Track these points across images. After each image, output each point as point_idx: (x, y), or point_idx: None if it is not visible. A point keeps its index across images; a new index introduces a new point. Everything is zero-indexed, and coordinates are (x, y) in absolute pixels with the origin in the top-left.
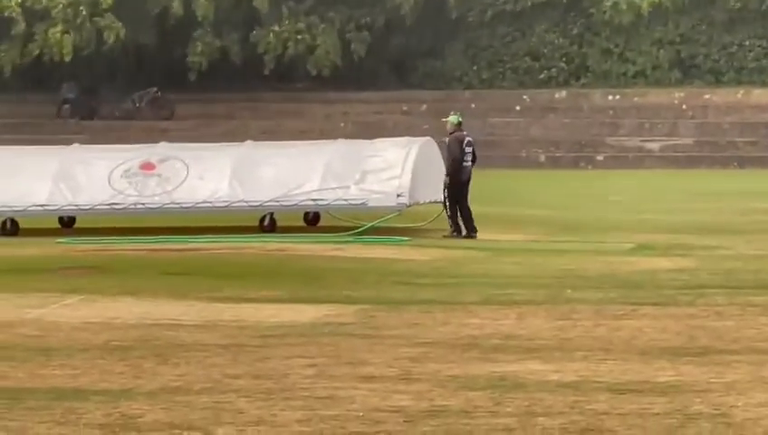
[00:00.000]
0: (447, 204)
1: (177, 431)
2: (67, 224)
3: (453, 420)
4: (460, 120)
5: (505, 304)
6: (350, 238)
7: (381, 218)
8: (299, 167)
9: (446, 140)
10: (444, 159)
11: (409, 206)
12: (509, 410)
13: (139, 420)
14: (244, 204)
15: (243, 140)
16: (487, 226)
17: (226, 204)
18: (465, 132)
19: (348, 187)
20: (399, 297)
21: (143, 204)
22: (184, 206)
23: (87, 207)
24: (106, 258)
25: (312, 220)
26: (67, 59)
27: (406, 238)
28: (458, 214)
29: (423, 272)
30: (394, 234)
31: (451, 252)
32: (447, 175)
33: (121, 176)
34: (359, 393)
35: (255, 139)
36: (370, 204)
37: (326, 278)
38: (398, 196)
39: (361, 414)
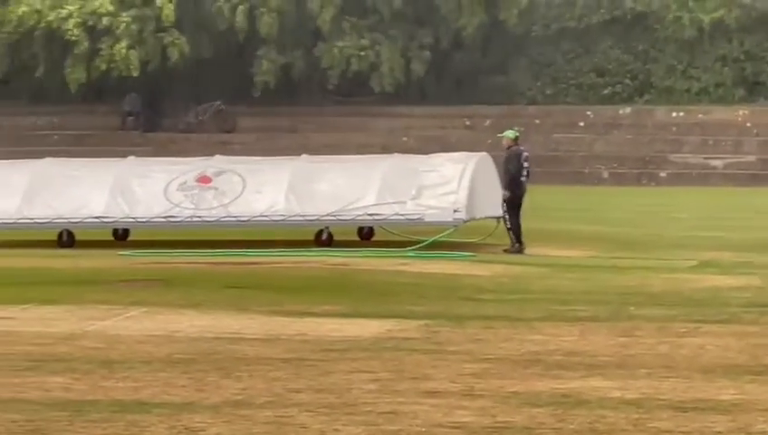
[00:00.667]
0: (507, 218)
1: None
2: (121, 237)
3: None
4: (517, 135)
5: (568, 321)
6: (413, 254)
7: (442, 233)
8: (355, 181)
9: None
10: (502, 172)
11: (466, 221)
12: (572, 427)
13: (202, 433)
14: (301, 218)
15: (305, 153)
16: (550, 241)
17: (283, 218)
18: (522, 147)
19: (404, 202)
20: (462, 313)
21: (199, 217)
22: (240, 219)
23: (143, 220)
24: (168, 271)
25: (366, 235)
26: (135, 74)
27: (469, 254)
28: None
29: (486, 287)
30: (453, 249)
31: (514, 268)
32: (505, 189)
33: (178, 189)
34: (421, 409)
35: (318, 153)
36: (427, 219)
37: (389, 293)
38: (455, 211)
39: (424, 430)
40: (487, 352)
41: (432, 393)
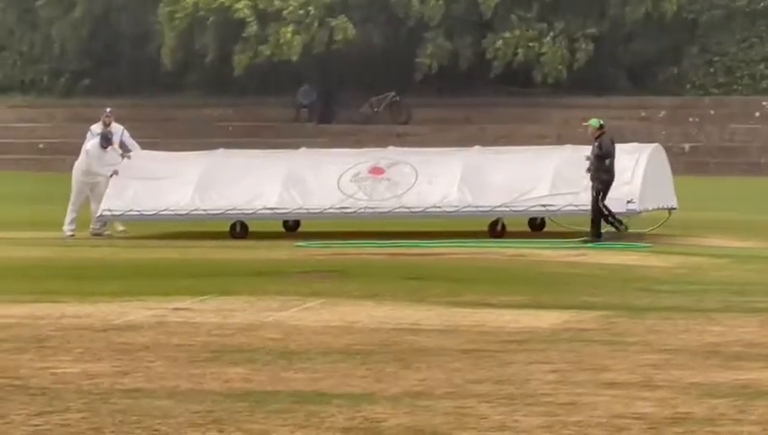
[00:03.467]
0: (605, 204)
1: None
2: (292, 228)
3: (697, 427)
4: (601, 122)
5: (747, 312)
6: (592, 244)
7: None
8: (528, 172)
9: (596, 142)
10: (592, 162)
11: (639, 212)
12: (753, 417)
13: (382, 424)
14: (474, 209)
15: (480, 144)
16: (727, 232)
17: (456, 209)
18: (610, 133)
19: (577, 193)
20: (640, 304)
21: (373, 208)
22: (413, 210)
23: (317, 211)
24: (346, 262)
25: (538, 226)
26: (294, 58)
27: (645, 245)
28: (602, 214)
29: (663, 278)
30: (628, 240)
31: (691, 259)
32: (606, 171)
33: (351, 180)
34: (601, 400)
35: (493, 144)
36: None
37: (566, 284)
38: (629, 202)
39: (604, 421)
40: (666, 343)
41: (611, 384)
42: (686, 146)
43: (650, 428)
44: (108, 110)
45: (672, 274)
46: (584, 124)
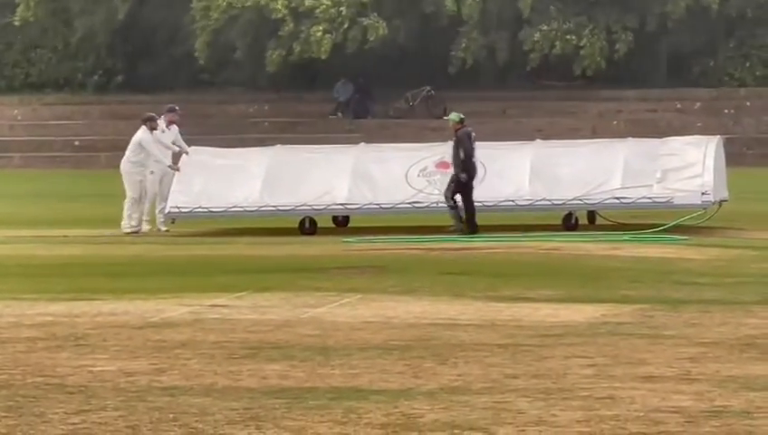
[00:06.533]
0: (455, 199)
1: (458, 431)
2: (341, 223)
3: (734, 420)
4: (462, 117)
5: None
6: (627, 237)
7: (686, 217)
8: (598, 165)
9: (455, 137)
10: (452, 156)
11: (714, 203)
12: None
13: (420, 420)
14: (547, 202)
15: (517, 138)
16: (765, 224)
17: (529, 202)
18: (470, 128)
19: (650, 185)
20: (677, 297)
21: (445, 202)
22: (486, 204)
23: (388, 206)
24: (384, 257)
25: (593, 219)
26: (323, 57)
27: (683, 237)
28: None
29: (701, 271)
30: (668, 233)
31: (728, 251)
32: (462, 172)
33: (418, 175)
34: (638, 393)
35: (529, 137)
36: (676, 202)
37: (603, 278)
38: (703, 194)
39: (642, 414)
40: (703, 336)
41: (649, 378)
42: (723, 138)
43: (687, 421)
44: (176, 107)
45: (709, 266)
46: (445, 118)
